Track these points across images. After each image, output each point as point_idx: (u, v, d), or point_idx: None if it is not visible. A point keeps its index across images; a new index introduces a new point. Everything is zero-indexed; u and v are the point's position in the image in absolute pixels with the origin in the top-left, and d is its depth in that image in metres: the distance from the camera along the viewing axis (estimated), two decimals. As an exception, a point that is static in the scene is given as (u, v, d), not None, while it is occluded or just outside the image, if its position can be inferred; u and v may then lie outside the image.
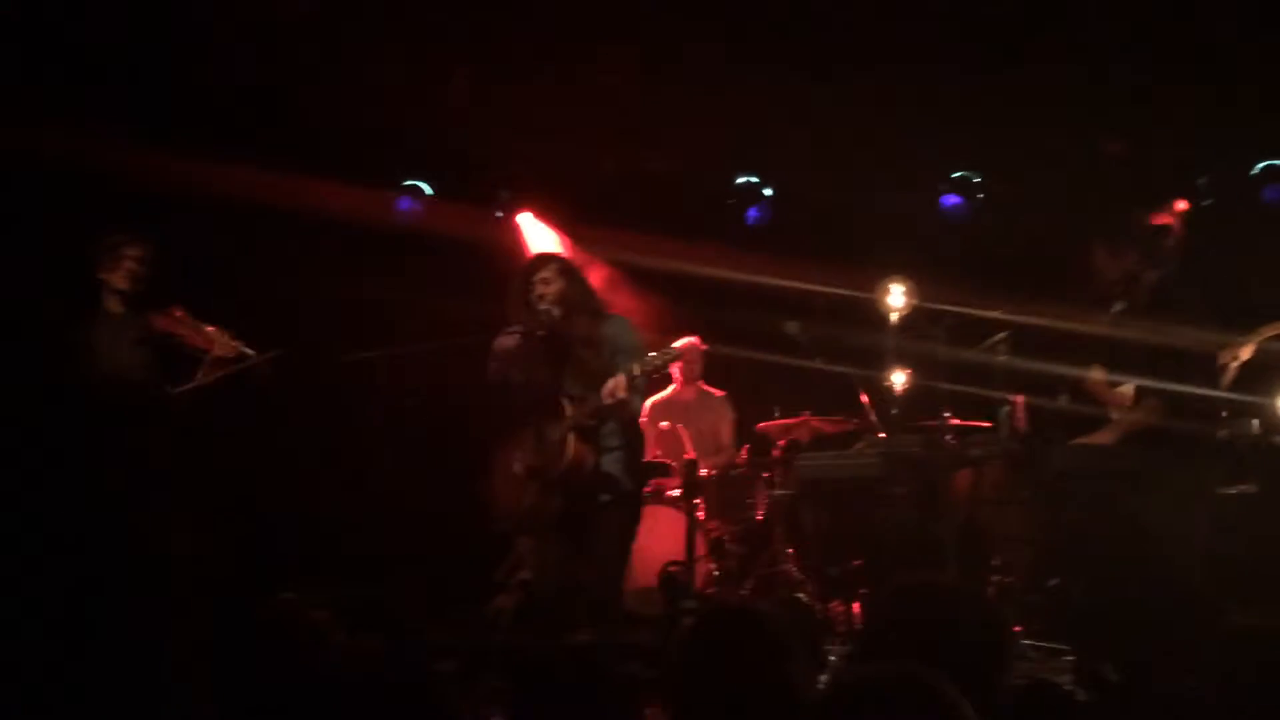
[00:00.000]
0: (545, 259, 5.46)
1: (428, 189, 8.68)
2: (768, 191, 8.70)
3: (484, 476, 5.53)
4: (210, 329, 5.58)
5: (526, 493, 5.32)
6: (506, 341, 5.44)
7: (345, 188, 7.86)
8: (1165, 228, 5.89)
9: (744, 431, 7.78)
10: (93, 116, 6.78)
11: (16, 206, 6.83)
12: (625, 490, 5.37)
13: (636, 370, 5.16)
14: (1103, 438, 5.66)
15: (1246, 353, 6.10)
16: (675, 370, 7.67)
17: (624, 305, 6.14)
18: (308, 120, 7.61)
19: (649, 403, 7.75)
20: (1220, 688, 2.17)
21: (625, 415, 5.30)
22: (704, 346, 7.70)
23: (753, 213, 8.70)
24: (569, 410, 5.24)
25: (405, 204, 8.64)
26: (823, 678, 3.76)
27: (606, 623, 5.30)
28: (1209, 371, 5.53)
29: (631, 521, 5.47)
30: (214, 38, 7.13)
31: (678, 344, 5.34)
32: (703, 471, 7.13)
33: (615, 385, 5.10)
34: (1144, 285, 5.47)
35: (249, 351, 5.59)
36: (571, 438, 5.20)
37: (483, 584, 7.23)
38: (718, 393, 7.89)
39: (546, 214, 8.70)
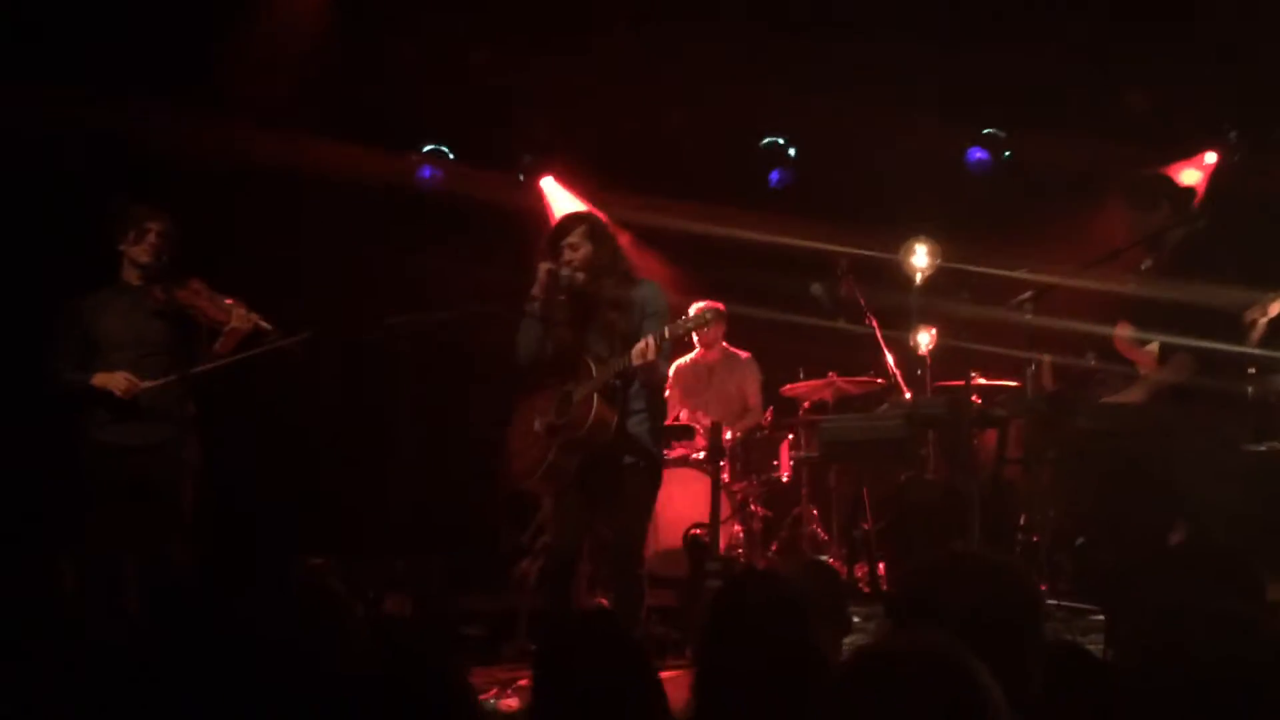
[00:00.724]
0: (574, 221, 5.37)
1: (449, 153, 8.65)
2: (792, 152, 8.64)
3: (503, 434, 5.51)
4: (228, 301, 5.56)
5: (547, 451, 5.30)
6: (533, 306, 5.42)
7: (366, 153, 7.86)
8: (1189, 187, 5.80)
9: (769, 394, 7.77)
10: (104, 81, 6.79)
11: (31, 174, 6.86)
12: (648, 453, 5.35)
13: (667, 333, 5.13)
14: (1130, 396, 5.62)
15: (1276, 309, 6.05)
16: (697, 333, 7.66)
17: (647, 268, 6.10)
18: (329, 86, 7.59)
19: (673, 367, 7.75)
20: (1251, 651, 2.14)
21: (653, 378, 5.27)
22: (724, 309, 7.68)
23: (775, 175, 8.65)
24: (594, 371, 5.22)
25: (427, 172, 8.61)
26: (847, 641, 3.77)
27: (627, 585, 5.28)
28: (1235, 328, 5.48)
29: (653, 485, 5.42)
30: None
31: (704, 307, 5.23)
32: (727, 434, 7.13)
33: (645, 346, 5.05)
34: (1170, 243, 5.42)
35: (266, 325, 5.57)
36: (596, 398, 5.17)
37: (509, 549, 7.27)
38: (743, 354, 7.87)
39: (568, 178, 8.67)
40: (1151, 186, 5.62)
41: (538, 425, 5.34)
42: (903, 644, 1.87)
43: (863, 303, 6.69)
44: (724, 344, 7.84)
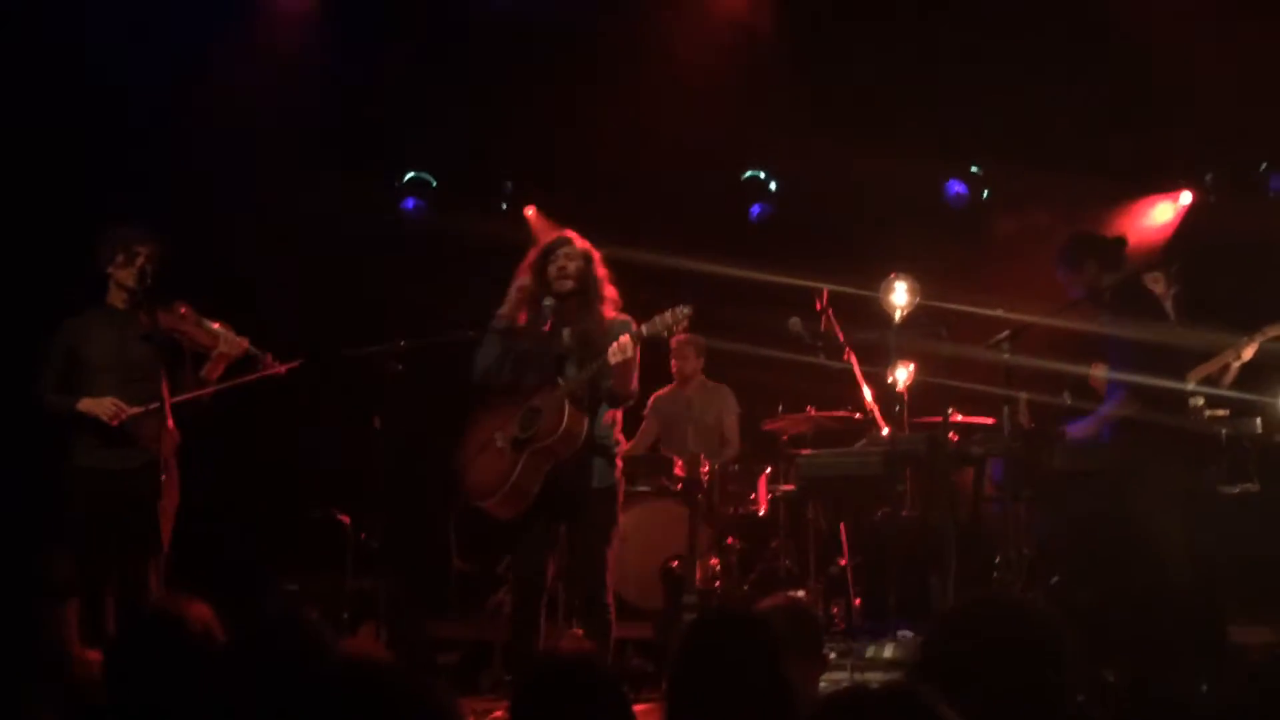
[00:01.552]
0: (571, 240, 5.35)
1: (432, 181, 8.68)
2: (772, 186, 8.69)
3: (459, 449, 5.42)
4: (216, 325, 5.55)
5: (511, 468, 5.18)
6: (500, 323, 5.38)
7: (349, 182, 7.89)
8: (1114, 238, 6.04)
9: (748, 428, 7.78)
10: (94, 111, 6.82)
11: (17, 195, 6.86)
12: (613, 479, 5.32)
13: (645, 331, 5.08)
14: (1083, 429, 5.74)
15: (1249, 352, 6.13)
16: (674, 365, 7.68)
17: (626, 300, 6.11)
18: (310, 116, 7.63)
19: (651, 398, 7.76)
20: (1217, 697, 2.16)
21: (625, 387, 5.21)
22: (703, 341, 7.70)
23: (756, 209, 8.69)
24: (562, 381, 5.17)
25: (410, 204, 8.64)
26: (823, 681, 3.77)
27: (596, 613, 5.24)
28: (1172, 364, 5.64)
29: (615, 509, 5.36)
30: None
31: (680, 308, 5.15)
32: (705, 467, 7.13)
33: (623, 343, 5.01)
34: (1104, 290, 5.59)
35: (255, 349, 5.56)
36: (566, 405, 5.10)
37: (462, 569, 7.25)
38: (721, 386, 7.90)
39: (550, 209, 8.71)
40: (1076, 247, 5.84)
41: (499, 441, 5.24)
42: (877, 687, 1.87)
43: (841, 338, 6.73)
44: (702, 376, 7.86)
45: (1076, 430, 5.71)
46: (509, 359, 5.31)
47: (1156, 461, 5.42)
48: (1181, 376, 5.74)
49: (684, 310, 5.13)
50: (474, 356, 5.38)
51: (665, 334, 5.22)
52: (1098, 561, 5.49)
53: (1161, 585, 4.80)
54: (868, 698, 1.85)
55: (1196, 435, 5.68)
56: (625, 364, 5.06)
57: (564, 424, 5.09)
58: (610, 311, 5.31)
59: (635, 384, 5.31)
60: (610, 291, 5.37)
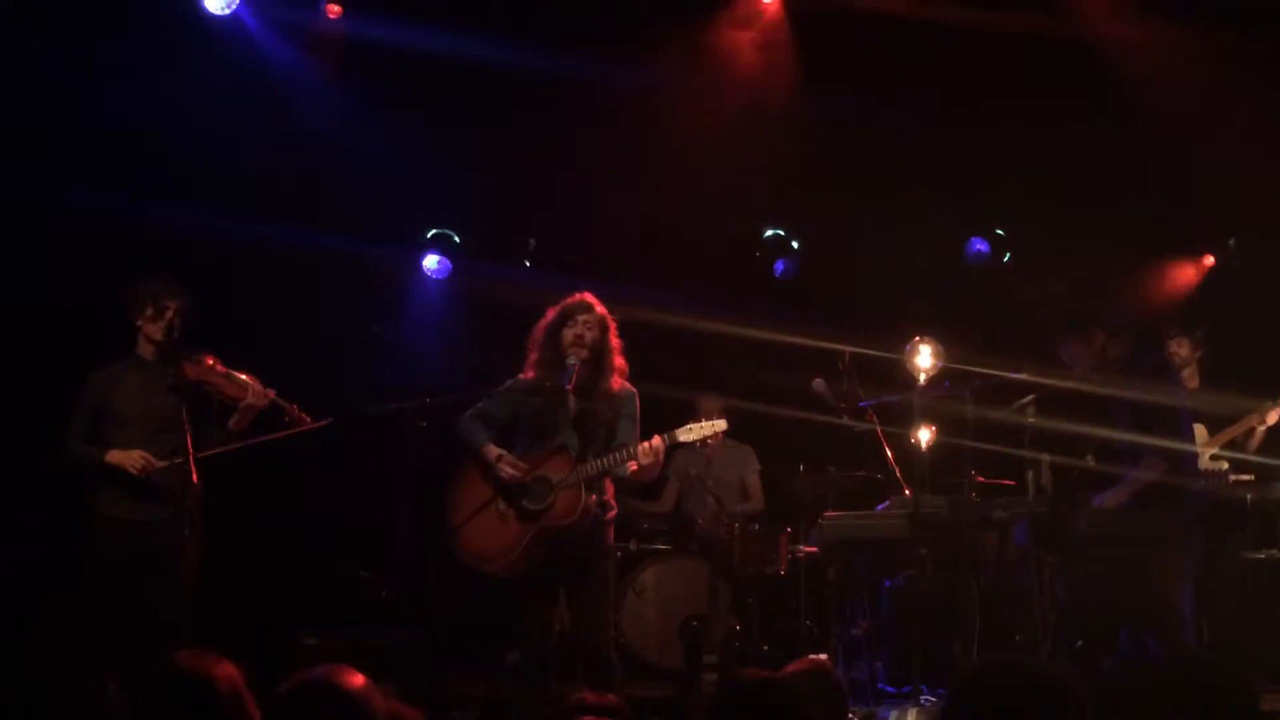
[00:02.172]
0: (588, 305, 5.41)
1: (456, 238, 8.74)
2: (795, 245, 8.73)
3: (450, 501, 5.44)
4: (243, 376, 5.60)
5: (519, 538, 5.23)
6: (517, 383, 5.45)
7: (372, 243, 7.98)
8: (1118, 311, 6.08)
9: (769, 487, 7.77)
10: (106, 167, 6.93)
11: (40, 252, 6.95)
12: (610, 541, 5.40)
13: (679, 437, 5.20)
14: (1112, 499, 5.70)
15: (1274, 416, 6.12)
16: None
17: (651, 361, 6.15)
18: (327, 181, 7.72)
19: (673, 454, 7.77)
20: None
21: (647, 474, 5.32)
22: (723, 400, 7.71)
23: (780, 265, 8.72)
24: (575, 460, 5.21)
25: (436, 261, 8.70)
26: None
27: (603, 673, 5.25)
28: (1187, 427, 5.64)
29: (614, 568, 5.49)
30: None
31: (718, 423, 5.34)
32: (727, 526, 7.13)
33: (656, 445, 5.12)
34: (1112, 361, 5.58)
35: (283, 402, 5.60)
36: (583, 488, 5.17)
37: (504, 634, 7.21)
38: (744, 445, 7.91)
39: (570, 266, 8.78)
40: (1081, 320, 5.82)
41: (502, 506, 5.29)
42: None
43: (864, 399, 6.74)
44: (722, 435, 7.85)
45: (1106, 500, 5.67)
46: (529, 415, 5.35)
47: (1180, 526, 5.38)
48: (1193, 439, 5.70)
49: (720, 425, 5.32)
50: (475, 410, 5.43)
51: (695, 443, 5.35)
52: (1121, 628, 5.44)
53: (1179, 651, 4.77)
54: None
55: (1221, 499, 5.64)
56: (654, 464, 5.18)
57: (579, 508, 5.17)
58: (618, 382, 5.39)
59: (655, 472, 5.46)
60: (620, 361, 5.45)
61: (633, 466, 5.18)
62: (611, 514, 5.40)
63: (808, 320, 7.35)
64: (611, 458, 5.19)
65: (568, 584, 5.35)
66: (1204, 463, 6.18)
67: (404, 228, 8.46)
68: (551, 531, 5.21)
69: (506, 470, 5.26)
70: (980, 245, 8.50)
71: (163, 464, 5.47)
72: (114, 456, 5.49)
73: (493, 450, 5.33)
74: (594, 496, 5.23)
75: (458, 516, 5.41)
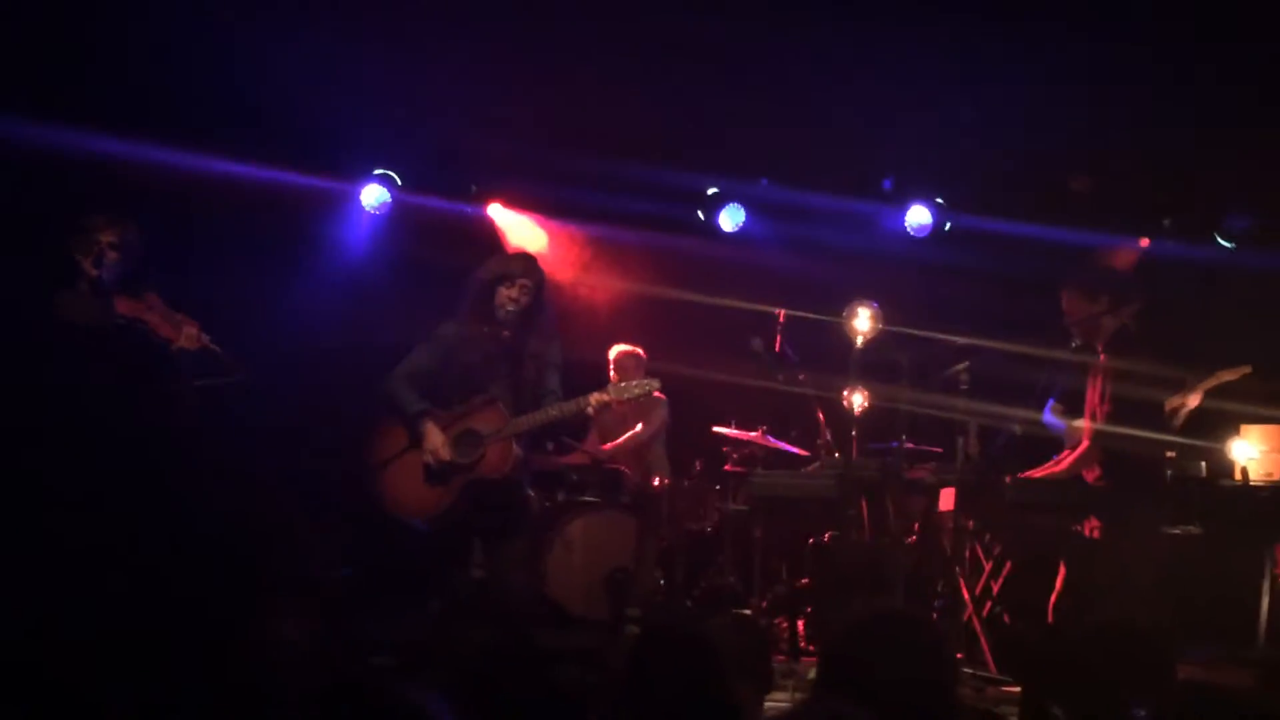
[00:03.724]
0: (532, 267, 5.43)
1: (398, 180, 8.61)
2: (740, 204, 8.70)
3: (377, 460, 5.43)
4: (180, 318, 5.50)
5: (445, 491, 5.27)
6: (449, 330, 5.42)
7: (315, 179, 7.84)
8: (1127, 281, 6.06)
9: (701, 438, 7.78)
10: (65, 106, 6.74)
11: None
12: (528, 494, 5.53)
13: (613, 394, 5.28)
14: (1052, 471, 5.76)
15: (1196, 399, 6.22)
16: (614, 376, 7.68)
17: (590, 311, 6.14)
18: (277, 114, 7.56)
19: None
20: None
21: (581, 427, 5.38)
22: (643, 354, 7.70)
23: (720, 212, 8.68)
24: (507, 414, 5.21)
25: (375, 193, 8.57)
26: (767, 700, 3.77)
27: (523, 620, 5.33)
28: (1153, 414, 5.64)
29: (530, 520, 5.64)
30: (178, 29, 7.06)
31: (650, 382, 5.43)
32: (656, 480, 7.14)
33: (598, 399, 5.22)
34: (1104, 330, 5.60)
35: (215, 348, 5.51)
36: (514, 444, 5.21)
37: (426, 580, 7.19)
38: (657, 394, 7.89)
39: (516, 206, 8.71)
40: (1097, 278, 5.86)
41: (429, 459, 5.29)
42: (805, 712, 1.86)
43: (795, 360, 6.76)
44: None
45: (1039, 471, 5.72)
46: (456, 371, 5.33)
47: (1113, 502, 5.46)
48: (1161, 426, 5.74)
49: (653, 383, 5.42)
50: (405, 365, 5.42)
51: (638, 398, 5.46)
52: (1045, 597, 5.53)
53: (1110, 624, 4.84)
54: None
55: (1151, 477, 5.71)
56: (587, 417, 5.35)
57: (511, 462, 5.23)
58: (550, 337, 5.44)
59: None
60: (552, 317, 5.52)
61: (589, 411, 5.27)
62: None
63: (748, 284, 7.34)
64: (545, 412, 5.21)
65: (489, 532, 5.39)
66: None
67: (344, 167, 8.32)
68: (481, 484, 5.22)
69: (437, 448, 5.25)
70: (921, 216, 8.52)
71: None
72: None
73: (433, 435, 5.29)
74: (522, 454, 5.31)
75: (376, 458, 5.42)
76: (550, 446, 7.37)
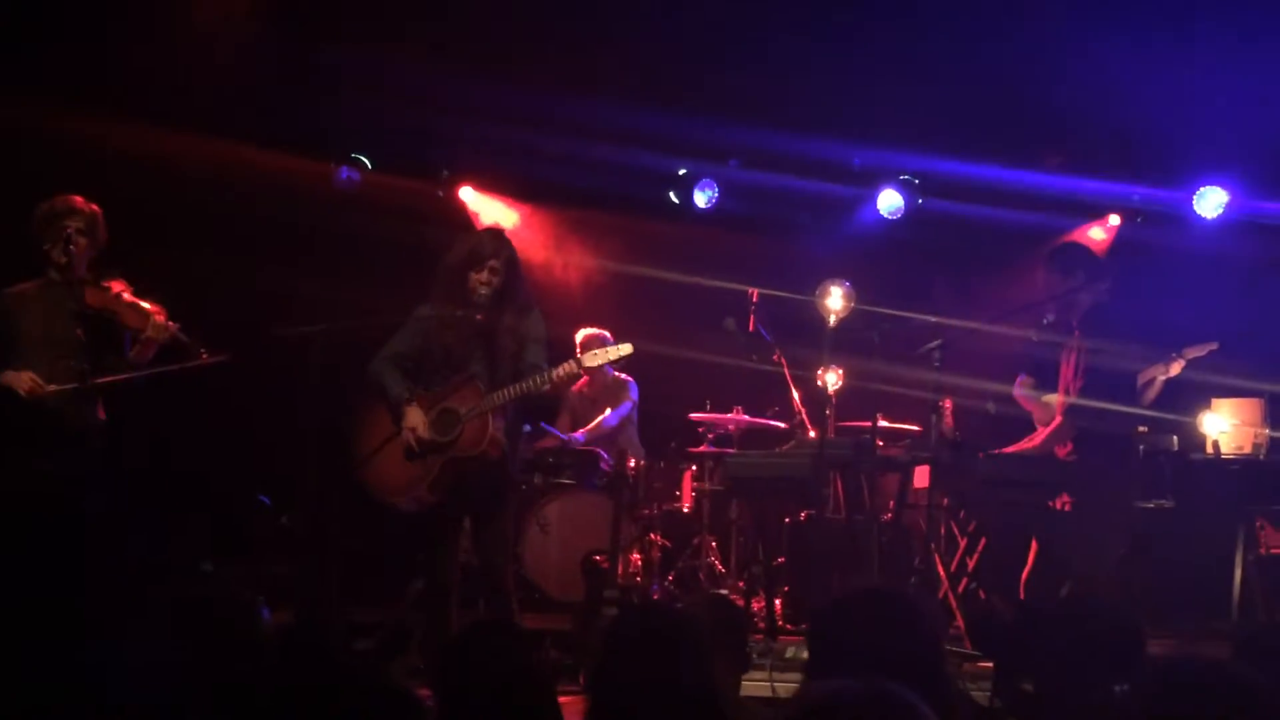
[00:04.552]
0: (502, 245, 5.39)
1: (368, 164, 8.57)
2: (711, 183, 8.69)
3: (364, 442, 5.42)
4: (147, 306, 5.44)
5: (426, 470, 5.25)
6: (425, 312, 5.42)
7: (286, 161, 7.78)
8: (1102, 257, 6.09)
9: (677, 421, 7.78)
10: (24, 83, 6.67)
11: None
12: (515, 473, 5.48)
13: (585, 362, 5.26)
14: (1025, 447, 5.78)
15: (1176, 369, 6.26)
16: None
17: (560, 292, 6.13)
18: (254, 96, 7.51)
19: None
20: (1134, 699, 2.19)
21: (557, 392, 5.36)
22: (608, 335, 7.69)
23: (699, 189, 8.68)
24: (483, 390, 5.21)
25: (345, 173, 8.53)
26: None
27: (500, 603, 5.32)
28: (1126, 389, 5.68)
29: (516, 503, 5.59)
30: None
31: (623, 346, 5.38)
32: (631, 462, 7.14)
33: (567, 369, 5.18)
34: (1078, 306, 5.63)
35: (184, 337, 5.46)
36: (490, 419, 5.19)
37: (406, 564, 7.17)
38: (624, 377, 7.91)
39: (488, 188, 8.68)
40: (1072, 254, 5.90)
41: (410, 439, 5.28)
42: (851, 689, 1.82)
43: (770, 339, 6.76)
44: (605, 372, 7.79)
45: (1014, 449, 5.75)
46: (438, 353, 5.32)
47: (1085, 477, 5.49)
48: (1134, 401, 5.77)
49: (625, 349, 5.39)
50: (388, 351, 5.40)
51: (602, 365, 5.44)
52: (1017, 573, 5.56)
53: (1082, 600, 4.87)
54: (845, 701, 1.81)
55: (1123, 451, 5.74)
56: (565, 384, 5.26)
57: (487, 438, 5.19)
58: (523, 314, 5.39)
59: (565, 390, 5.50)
60: (526, 289, 5.48)
61: (559, 379, 5.23)
62: (517, 446, 5.44)
63: (719, 261, 7.33)
64: (517, 386, 5.19)
65: (473, 514, 5.37)
66: None
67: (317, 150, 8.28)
68: (459, 463, 5.21)
69: (415, 425, 5.25)
70: (893, 199, 8.53)
71: (54, 388, 5.33)
72: (6, 377, 5.35)
73: (412, 415, 5.27)
74: (501, 426, 5.24)
75: (364, 447, 5.40)
76: (527, 429, 7.36)
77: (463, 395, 5.24)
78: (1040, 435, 5.79)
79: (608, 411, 7.73)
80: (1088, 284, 5.63)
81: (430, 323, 5.38)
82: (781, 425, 7.16)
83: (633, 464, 7.23)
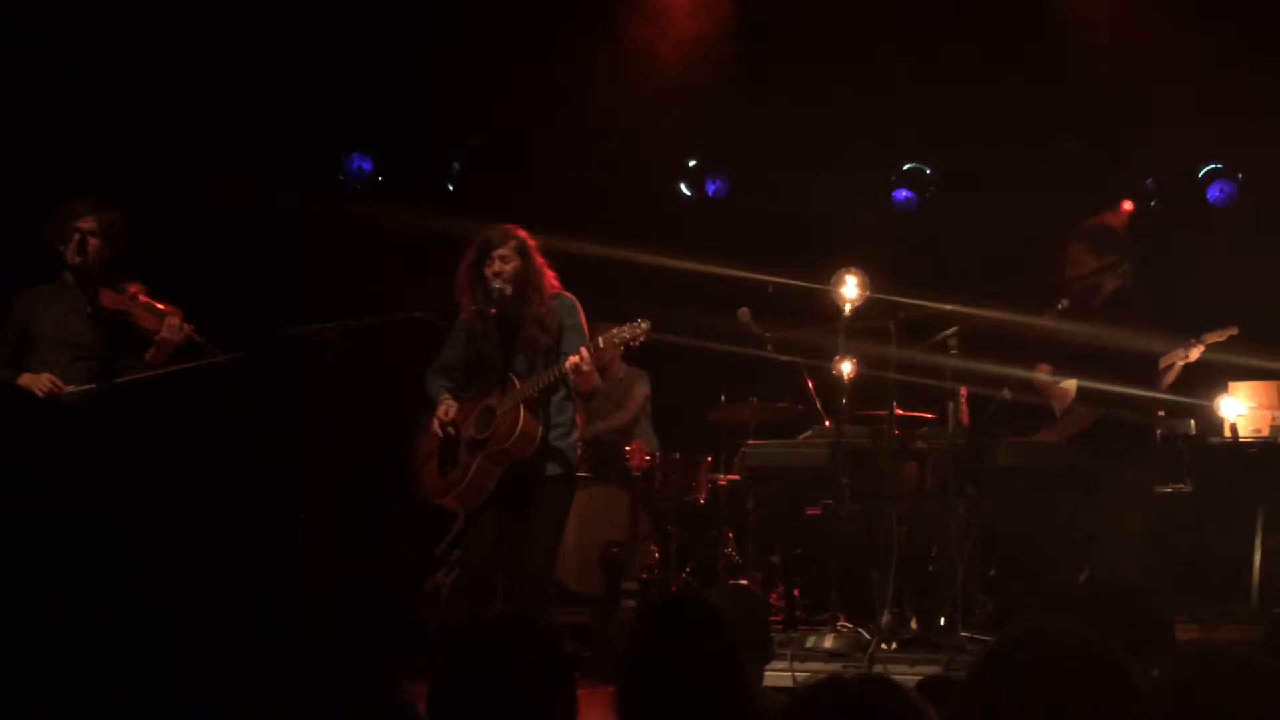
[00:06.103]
0: (504, 234, 5.38)
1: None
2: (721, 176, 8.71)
3: (413, 447, 5.50)
4: (164, 308, 5.47)
5: (466, 468, 5.29)
6: (460, 322, 5.47)
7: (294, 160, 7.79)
8: (1135, 243, 6.07)
9: (694, 418, 7.78)
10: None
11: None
12: (569, 465, 5.40)
13: (601, 343, 5.19)
14: (1047, 436, 5.76)
15: (1197, 354, 6.25)
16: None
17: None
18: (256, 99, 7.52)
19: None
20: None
21: (585, 383, 5.32)
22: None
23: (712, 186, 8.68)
24: (518, 384, 5.22)
25: (356, 163, 8.52)
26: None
27: (538, 598, 5.30)
28: (1148, 374, 5.66)
29: (569, 497, 5.47)
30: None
31: (637, 322, 5.30)
32: (648, 455, 7.14)
33: (581, 358, 5.12)
34: (1102, 290, 5.61)
35: (199, 338, 5.49)
36: (521, 411, 5.20)
37: (410, 559, 7.20)
38: (638, 369, 7.90)
39: (497, 193, 8.68)
40: (1107, 236, 5.86)
41: (450, 432, 5.33)
42: (845, 677, 1.87)
43: (785, 330, 6.75)
44: (620, 364, 7.78)
45: (1046, 435, 5.73)
46: (469, 353, 5.39)
47: (1108, 463, 5.48)
48: (1155, 386, 5.73)
49: (643, 325, 5.27)
50: (437, 362, 5.46)
51: (621, 346, 5.36)
52: (1037, 559, 5.55)
53: (1102, 583, 4.87)
54: (839, 688, 1.86)
55: (1142, 437, 5.72)
56: (587, 373, 5.19)
57: (519, 429, 5.19)
58: (550, 295, 5.38)
59: (597, 380, 5.47)
60: (549, 275, 5.43)
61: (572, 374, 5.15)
62: (572, 438, 5.42)
63: (733, 253, 7.32)
64: (542, 376, 5.20)
65: (515, 509, 5.34)
66: None
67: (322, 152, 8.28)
68: (496, 456, 5.23)
69: (442, 416, 5.30)
70: (905, 194, 8.53)
71: (72, 389, 5.36)
72: (25, 379, 5.40)
73: (447, 407, 5.34)
74: (537, 420, 5.23)
75: (416, 457, 5.49)
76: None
77: (500, 392, 5.28)
78: (1060, 423, 5.77)
79: (624, 404, 7.71)
80: (1115, 266, 5.61)
81: (463, 331, 5.44)
82: (799, 407, 7.13)
83: (648, 456, 7.22)
